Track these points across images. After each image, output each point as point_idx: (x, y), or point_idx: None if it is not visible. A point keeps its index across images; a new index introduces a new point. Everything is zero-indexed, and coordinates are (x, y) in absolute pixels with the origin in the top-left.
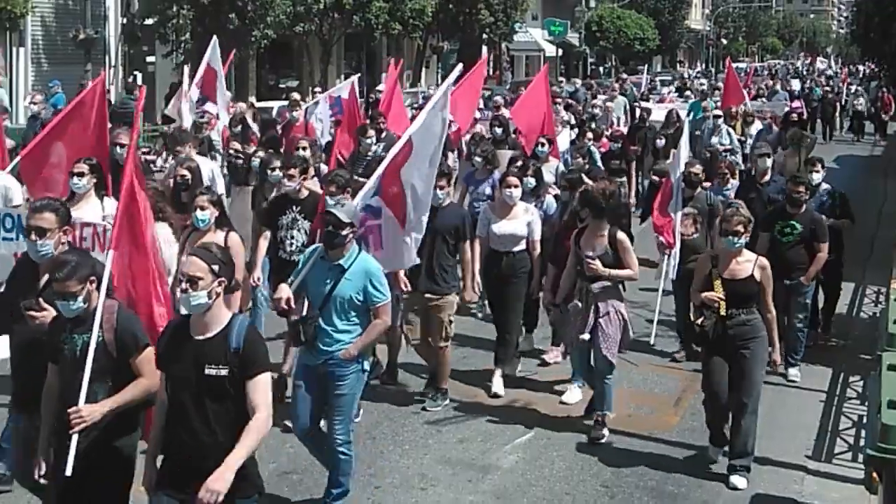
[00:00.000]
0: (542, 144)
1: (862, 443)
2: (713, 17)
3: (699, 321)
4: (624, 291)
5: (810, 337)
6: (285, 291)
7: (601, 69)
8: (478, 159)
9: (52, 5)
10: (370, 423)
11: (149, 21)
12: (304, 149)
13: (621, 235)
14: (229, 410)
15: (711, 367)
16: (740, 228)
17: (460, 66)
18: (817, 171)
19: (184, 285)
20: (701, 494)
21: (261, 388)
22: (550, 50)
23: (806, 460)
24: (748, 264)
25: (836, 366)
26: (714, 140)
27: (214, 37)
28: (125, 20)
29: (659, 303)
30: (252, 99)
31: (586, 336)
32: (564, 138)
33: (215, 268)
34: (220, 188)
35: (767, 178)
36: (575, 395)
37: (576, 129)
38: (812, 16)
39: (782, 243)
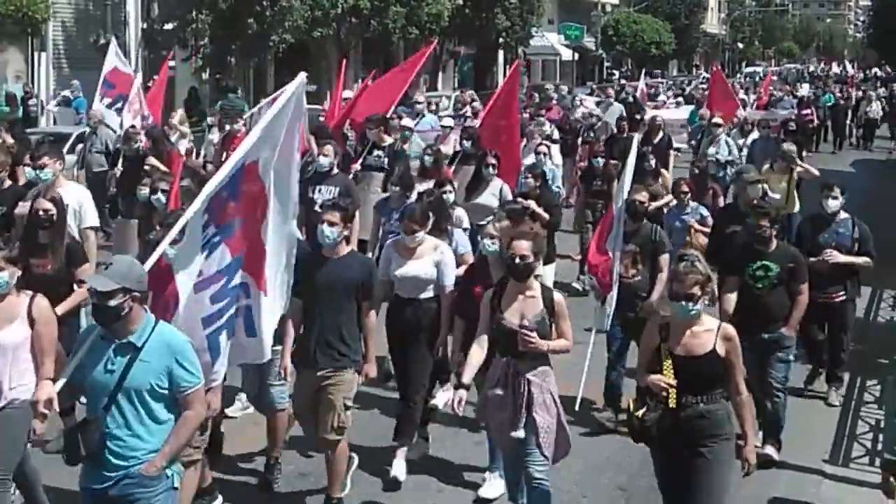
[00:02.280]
0: (489, 165)
1: (879, 447)
2: (729, 21)
3: (639, 413)
4: None
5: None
6: (47, 390)
7: (617, 73)
8: (395, 188)
9: (73, 10)
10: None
11: (168, 26)
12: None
13: (558, 297)
14: None
15: (661, 467)
16: (696, 291)
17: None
18: (834, 198)
19: None
20: None
21: None
22: (566, 54)
23: (823, 464)
24: (708, 335)
25: (853, 370)
26: (711, 151)
27: (113, 38)
28: (145, 25)
29: (589, 356)
30: None
31: (520, 434)
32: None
33: None
34: (90, 221)
35: None
36: (496, 486)
37: (557, 144)
38: (829, 20)
39: (756, 289)
